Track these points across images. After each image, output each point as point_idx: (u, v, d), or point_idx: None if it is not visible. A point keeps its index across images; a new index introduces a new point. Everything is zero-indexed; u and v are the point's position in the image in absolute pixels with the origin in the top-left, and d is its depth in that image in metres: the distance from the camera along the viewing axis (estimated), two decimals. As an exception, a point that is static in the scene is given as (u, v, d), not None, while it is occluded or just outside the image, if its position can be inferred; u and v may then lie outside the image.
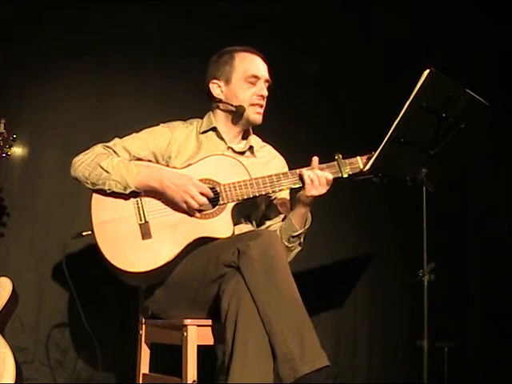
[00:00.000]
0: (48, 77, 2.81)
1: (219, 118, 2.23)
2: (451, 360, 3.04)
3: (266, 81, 2.21)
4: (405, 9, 3.49)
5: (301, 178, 2.02)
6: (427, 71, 1.90)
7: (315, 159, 2.05)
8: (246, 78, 2.17)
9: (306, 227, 2.12)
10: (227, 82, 2.19)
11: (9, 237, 2.61)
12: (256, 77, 2.18)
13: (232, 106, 2.18)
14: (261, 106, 2.19)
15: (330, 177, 2.01)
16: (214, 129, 2.22)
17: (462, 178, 3.45)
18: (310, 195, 2.01)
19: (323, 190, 2.01)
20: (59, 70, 2.83)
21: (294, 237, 2.10)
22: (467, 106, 2.02)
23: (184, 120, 2.28)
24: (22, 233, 2.68)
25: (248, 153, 2.25)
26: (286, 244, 2.11)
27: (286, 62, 3.22)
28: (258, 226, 2.26)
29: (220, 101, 2.21)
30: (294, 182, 2.04)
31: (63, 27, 2.83)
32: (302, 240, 2.15)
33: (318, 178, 2.00)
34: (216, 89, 2.22)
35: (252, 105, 2.18)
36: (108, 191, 2.02)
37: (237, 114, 2.19)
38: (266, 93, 2.20)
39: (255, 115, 2.19)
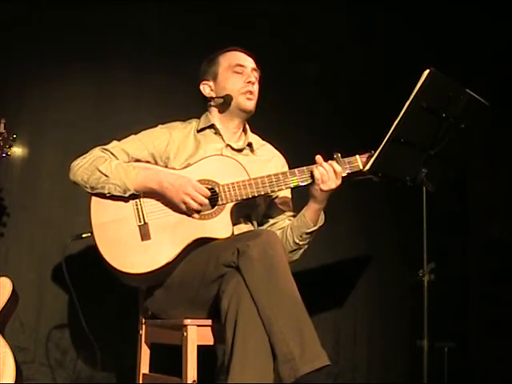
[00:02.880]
0: (48, 77, 2.81)
1: (215, 116, 2.25)
2: (451, 360, 3.04)
3: (254, 69, 2.23)
4: (405, 9, 3.49)
5: (311, 173, 2.03)
6: (427, 71, 1.90)
7: (319, 157, 2.05)
8: (232, 67, 2.20)
9: (320, 224, 2.12)
10: (215, 78, 2.23)
11: (9, 237, 2.61)
12: (241, 65, 2.21)
13: (221, 97, 2.19)
14: (251, 93, 2.20)
15: (339, 169, 2.02)
16: (211, 126, 2.23)
17: (461, 178, 3.45)
18: (322, 190, 2.01)
19: (333, 184, 2.01)
20: (59, 69, 2.83)
21: (307, 233, 2.10)
22: (467, 105, 2.02)
23: (183, 120, 2.29)
24: (22, 233, 2.68)
25: (247, 150, 2.25)
26: (297, 241, 2.11)
27: (286, 62, 3.22)
28: (260, 225, 2.26)
29: (212, 98, 2.23)
30: (299, 180, 2.04)
31: (63, 27, 2.83)
32: (311, 239, 2.15)
33: (326, 171, 2.00)
34: (206, 88, 2.25)
35: (242, 93, 2.18)
36: (108, 195, 2.02)
37: (225, 104, 2.20)
38: (254, 79, 2.21)
39: (246, 101, 2.19)
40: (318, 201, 2.06)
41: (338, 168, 2.02)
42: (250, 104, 2.20)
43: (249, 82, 2.19)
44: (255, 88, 2.22)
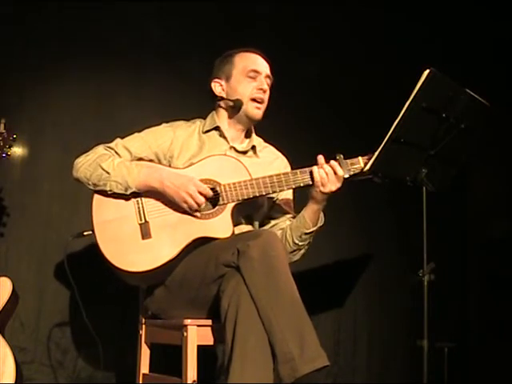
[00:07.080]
0: (48, 77, 2.81)
1: (222, 117, 2.24)
2: (451, 360, 3.04)
3: (267, 76, 2.21)
4: (405, 9, 3.49)
5: (311, 175, 2.02)
6: (427, 71, 1.90)
7: (320, 157, 2.03)
8: (246, 72, 2.17)
9: (319, 225, 2.11)
10: (228, 79, 2.20)
11: (9, 237, 2.61)
12: (256, 71, 2.18)
13: (231, 100, 2.17)
14: (261, 102, 2.18)
15: (341, 172, 2.01)
16: (216, 128, 2.22)
17: (462, 178, 3.45)
18: (322, 192, 2.00)
19: (333, 186, 2.00)
20: (59, 69, 2.83)
21: (306, 234, 2.10)
22: (467, 105, 2.02)
23: (186, 120, 2.28)
24: (22, 233, 2.68)
25: (250, 152, 2.25)
26: (297, 242, 2.11)
27: (285, 61, 3.22)
28: (262, 226, 2.26)
29: (222, 98, 2.21)
30: (301, 181, 2.03)
31: (63, 27, 2.83)
32: (311, 239, 2.15)
33: (326, 174, 1.99)
34: (217, 87, 2.22)
35: (252, 99, 2.17)
36: (109, 192, 2.02)
37: (235, 109, 2.18)
38: (266, 87, 2.19)
39: (254, 110, 2.18)
40: (318, 201, 2.06)
41: (339, 171, 2.01)
42: (258, 113, 2.19)
43: (260, 89, 2.17)
44: (265, 96, 2.19)
